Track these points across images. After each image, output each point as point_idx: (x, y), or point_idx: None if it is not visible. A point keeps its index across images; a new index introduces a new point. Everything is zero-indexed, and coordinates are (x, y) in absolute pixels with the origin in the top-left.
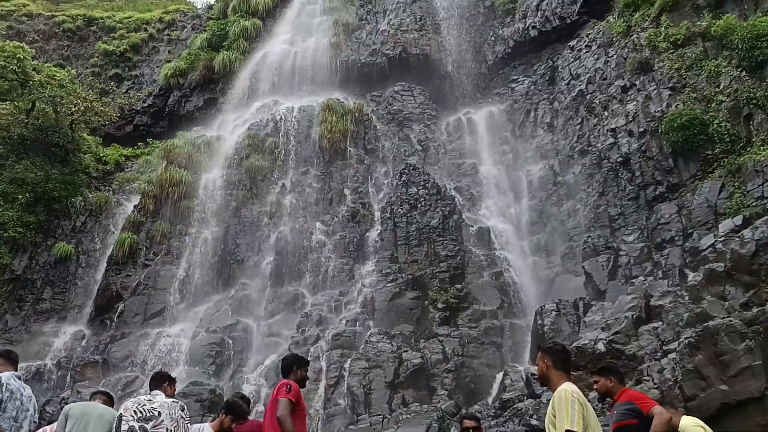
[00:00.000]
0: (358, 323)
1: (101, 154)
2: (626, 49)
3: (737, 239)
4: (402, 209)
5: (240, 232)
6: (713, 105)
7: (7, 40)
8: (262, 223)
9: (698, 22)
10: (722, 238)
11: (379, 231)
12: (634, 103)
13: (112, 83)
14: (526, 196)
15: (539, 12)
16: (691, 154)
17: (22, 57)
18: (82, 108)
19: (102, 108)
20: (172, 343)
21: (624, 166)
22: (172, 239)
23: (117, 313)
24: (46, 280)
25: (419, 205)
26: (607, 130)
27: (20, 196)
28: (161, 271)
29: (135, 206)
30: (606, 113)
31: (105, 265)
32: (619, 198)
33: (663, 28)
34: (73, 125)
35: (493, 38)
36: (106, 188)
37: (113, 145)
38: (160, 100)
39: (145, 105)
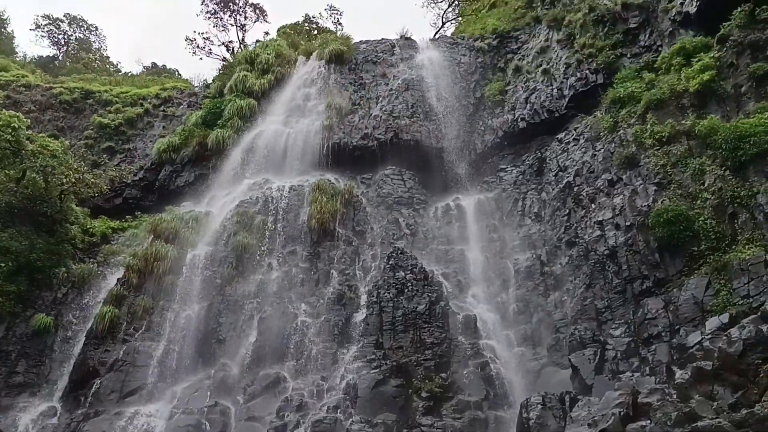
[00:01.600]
0: (339, 410)
1: (88, 226)
2: (613, 144)
3: (724, 338)
4: (389, 293)
5: (223, 310)
6: (698, 202)
7: (3, 110)
8: (246, 303)
9: (683, 121)
10: (709, 336)
11: (364, 315)
12: (621, 197)
13: (104, 156)
14: (513, 285)
15: (528, 105)
16: (678, 249)
17: (16, 126)
18: (72, 179)
19: (93, 180)
20: (147, 424)
21: (611, 259)
22: (153, 315)
23: (92, 390)
24: (21, 352)
25: (406, 290)
26: (594, 223)
27: (2, 265)
28: (141, 347)
29: (118, 279)
30: (593, 206)
31: (84, 339)
32: (606, 291)
33: (649, 125)
34: (63, 195)
35: (482, 128)
36: (91, 260)
37: (101, 217)
38: (151, 174)
39: (136, 178)
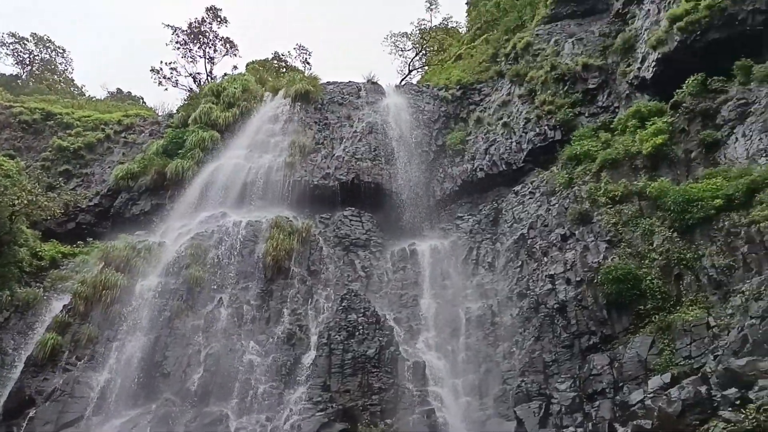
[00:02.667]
0: None
1: (38, 249)
2: (568, 200)
3: (665, 397)
4: (340, 336)
5: (170, 344)
6: (646, 262)
7: None
8: (194, 337)
9: (635, 182)
10: (651, 395)
11: (314, 356)
12: (573, 252)
13: (60, 179)
14: (464, 333)
15: (487, 156)
16: (625, 307)
17: None
18: (25, 200)
19: (46, 203)
20: None
21: (560, 313)
22: (98, 345)
23: (26, 420)
24: None
25: (357, 333)
26: (546, 276)
27: None
28: (82, 377)
29: (64, 306)
30: (545, 259)
31: (22, 366)
32: (554, 344)
33: (603, 184)
34: (13, 217)
35: (442, 175)
36: (38, 284)
37: (52, 240)
38: (107, 201)
39: (91, 204)
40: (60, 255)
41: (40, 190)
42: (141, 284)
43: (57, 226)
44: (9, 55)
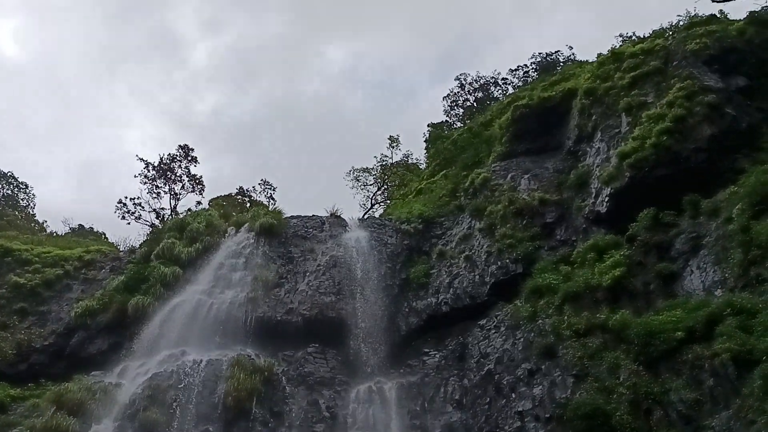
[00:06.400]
0: None
1: None
2: (532, 333)
3: None
4: None
5: None
6: (615, 396)
7: None
8: None
9: (597, 315)
10: None
11: None
12: (541, 387)
13: (15, 317)
14: None
15: (451, 289)
16: None
17: None
18: None
19: None
20: None
21: None
22: None
23: None
24: None
25: None
26: (515, 413)
27: None
28: None
29: None
30: (513, 395)
31: None
32: None
33: (566, 317)
34: None
35: (407, 309)
36: None
37: (1, 383)
38: (63, 340)
39: (46, 343)
40: (9, 399)
41: None
42: (95, 429)
43: (8, 368)
44: None
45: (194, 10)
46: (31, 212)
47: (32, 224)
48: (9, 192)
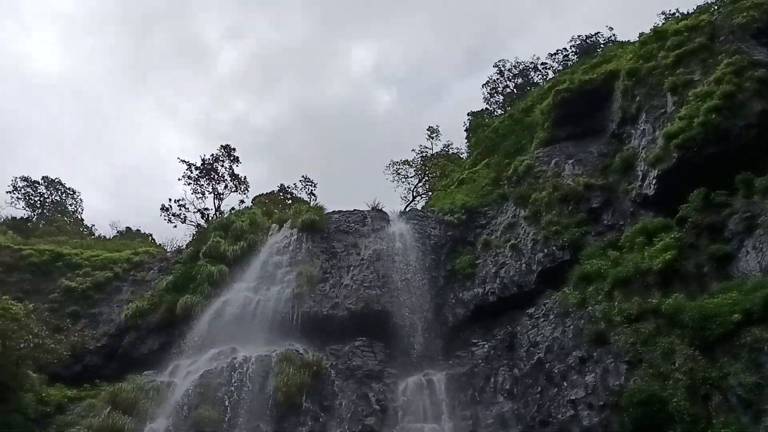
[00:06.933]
0: None
1: (43, 394)
2: (582, 321)
3: None
4: None
5: None
6: (671, 382)
7: None
8: None
9: (649, 299)
10: None
11: None
12: (593, 375)
13: (68, 320)
14: None
15: (498, 279)
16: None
17: None
18: (31, 344)
19: (53, 345)
20: None
21: None
22: None
23: None
24: None
25: None
26: (567, 402)
27: None
28: None
29: None
30: (565, 383)
31: None
32: None
33: (616, 303)
34: (19, 361)
35: (453, 300)
36: None
37: (58, 384)
38: (114, 341)
39: (99, 345)
40: (66, 399)
41: (47, 332)
42: (149, 427)
43: (63, 369)
44: (20, 199)
45: (216, 17)
46: (79, 217)
47: (81, 229)
48: (57, 198)
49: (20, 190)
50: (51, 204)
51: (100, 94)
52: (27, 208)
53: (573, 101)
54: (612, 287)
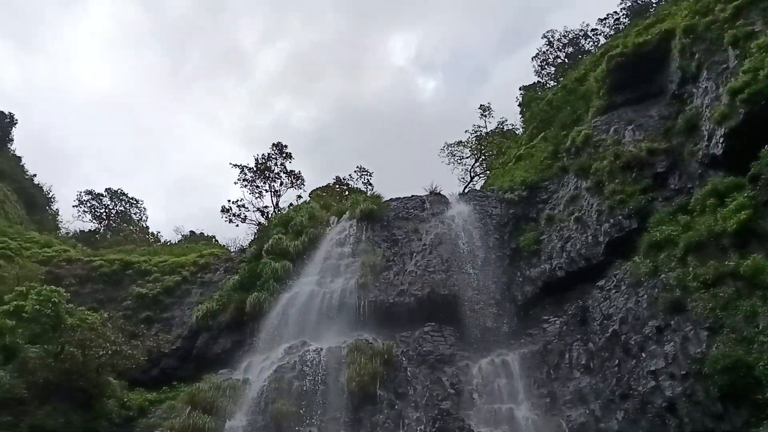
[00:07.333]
0: None
1: (125, 399)
2: (656, 289)
3: None
4: None
5: None
6: (755, 346)
7: (45, 285)
8: None
9: (726, 262)
10: None
11: None
12: (672, 344)
13: (142, 326)
14: None
15: (564, 253)
16: (741, 398)
17: (56, 301)
18: (110, 351)
19: (130, 351)
20: None
21: (670, 411)
22: None
23: None
24: None
25: None
26: (647, 373)
27: None
28: None
29: None
30: (643, 354)
31: None
32: None
33: (691, 268)
34: (100, 369)
35: (520, 278)
36: None
37: (138, 389)
38: (188, 343)
39: (173, 347)
40: (147, 403)
41: (123, 339)
42: (229, 424)
43: (141, 374)
44: (86, 212)
45: (250, 23)
46: (144, 225)
47: (147, 236)
48: (122, 208)
49: (85, 204)
50: (116, 215)
51: (144, 109)
52: (94, 221)
53: (628, 65)
54: (685, 253)
